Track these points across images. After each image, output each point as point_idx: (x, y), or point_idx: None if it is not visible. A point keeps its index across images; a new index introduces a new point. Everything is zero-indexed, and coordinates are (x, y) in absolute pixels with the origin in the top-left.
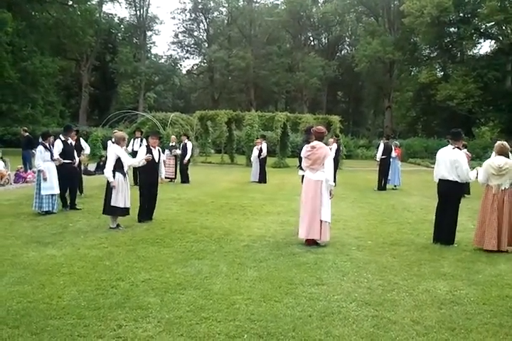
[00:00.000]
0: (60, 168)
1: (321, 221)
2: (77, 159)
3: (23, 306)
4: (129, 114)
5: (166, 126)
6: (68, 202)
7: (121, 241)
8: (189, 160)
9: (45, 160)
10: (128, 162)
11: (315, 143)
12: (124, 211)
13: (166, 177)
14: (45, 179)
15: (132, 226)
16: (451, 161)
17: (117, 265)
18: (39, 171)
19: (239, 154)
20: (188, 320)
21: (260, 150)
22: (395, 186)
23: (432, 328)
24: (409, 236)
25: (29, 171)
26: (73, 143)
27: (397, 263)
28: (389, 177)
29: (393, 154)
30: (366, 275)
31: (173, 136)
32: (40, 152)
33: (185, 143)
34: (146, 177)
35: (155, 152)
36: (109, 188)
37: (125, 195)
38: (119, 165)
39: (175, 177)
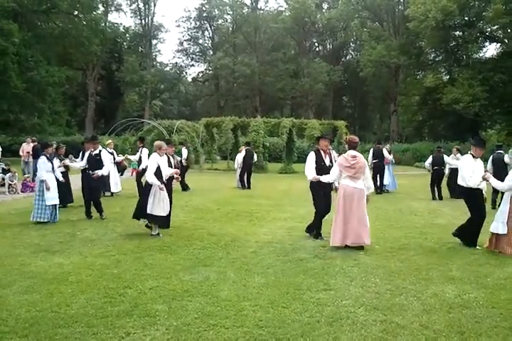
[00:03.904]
0: (83, 179)
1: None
2: (100, 172)
3: (32, 315)
4: (135, 122)
5: (172, 134)
6: (86, 211)
7: (129, 248)
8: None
9: (47, 171)
10: (165, 171)
11: (354, 152)
12: (163, 219)
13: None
14: (48, 189)
15: (139, 234)
16: (460, 166)
17: (125, 273)
18: (41, 181)
19: None
20: (196, 327)
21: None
22: (387, 190)
23: (441, 332)
24: (417, 241)
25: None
26: (103, 153)
27: (405, 267)
28: (385, 183)
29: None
30: (374, 280)
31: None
32: (43, 163)
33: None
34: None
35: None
36: (145, 195)
37: (164, 204)
38: (157, 174)
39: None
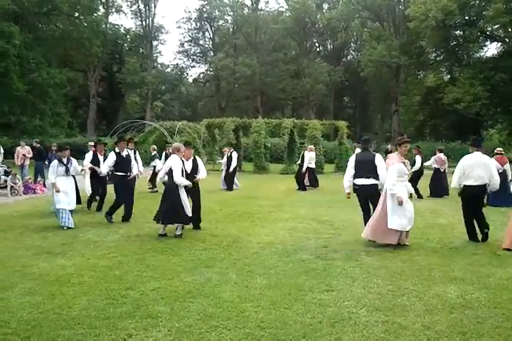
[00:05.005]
0: (114, 181)
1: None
2: (134, 172)
3: (34, 317)
4: (136, 124)
5: (174, 135)
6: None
7: (131, 250)
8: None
9: (58, 175)
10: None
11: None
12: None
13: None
14: (57, 191)
15: (141, 236)
16: (485, 165)
17: (127, 274)
18: (51, 184)
19: (246, 161)
20: (198, 329)
21: (229, 160)
22: None
23: (443, 333)
24: (418, 241)
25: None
26: (131, 155)
27: (407, 268)
28: None
29: None
30: (376, 281)
31: (153, 146)
32: (53, 166)
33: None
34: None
35: (188, 163)
36: (180, 199)
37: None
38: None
39: (153, 188)
